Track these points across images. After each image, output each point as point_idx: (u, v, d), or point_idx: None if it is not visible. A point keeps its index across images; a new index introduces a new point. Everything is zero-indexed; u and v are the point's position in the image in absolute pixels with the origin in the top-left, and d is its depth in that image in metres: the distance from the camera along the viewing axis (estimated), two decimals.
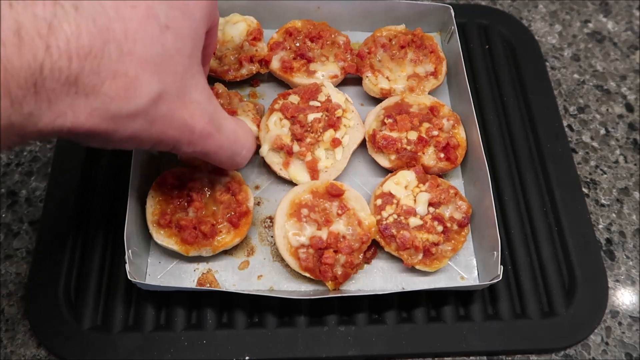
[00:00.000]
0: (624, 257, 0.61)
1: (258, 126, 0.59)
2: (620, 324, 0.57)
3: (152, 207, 0.53)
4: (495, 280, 0.50)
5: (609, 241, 0.62)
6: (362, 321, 0.53)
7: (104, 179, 0.59)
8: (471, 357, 0.54)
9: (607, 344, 0.56)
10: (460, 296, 0.55)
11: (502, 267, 0.51)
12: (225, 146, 0.45)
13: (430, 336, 0.52)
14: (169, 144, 0.40)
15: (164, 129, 0.38)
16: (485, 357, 0.54)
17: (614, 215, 0.64)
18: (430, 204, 0.55)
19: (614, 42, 0.78)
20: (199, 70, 0.41)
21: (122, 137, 0.36)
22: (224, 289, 0.53)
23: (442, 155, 0.58)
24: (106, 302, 0.53)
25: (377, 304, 0.53)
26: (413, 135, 0.58)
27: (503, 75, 0.70)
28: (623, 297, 0.58)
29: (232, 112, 0.57)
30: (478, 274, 0.56)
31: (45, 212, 0.57)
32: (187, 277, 0.54)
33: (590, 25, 0.80)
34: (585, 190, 0.65)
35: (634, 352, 0.55)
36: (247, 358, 0.50)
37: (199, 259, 0.54)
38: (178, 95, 0.37)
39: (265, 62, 0.64)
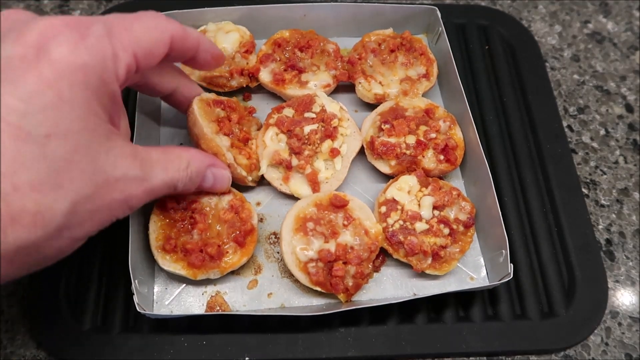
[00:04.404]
0: (624, 257, 0.61)
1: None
2: (620, 324, 0.57)
3: (155, 232, 0.52)
4: (506, 279, 0.50)
5: (608, 242, 0.62)
6: (362, 322, 0.53)
7: None
8: (471, 358, 0.54)
9: (607, 344, 0.56)
10: (460, 297, 0.55)
11: (512, 265, 0.51)
12: (160, 190, 0.44)
13: (430, 337, 0.52)
14: (117, 217, 0.40)
15: (101, 218, 0.38)
16: (485, 358, 0.54)
17: (613, 215, 0.64)
18: (434, 207, 0.55)
19: (613, 42, 0.78)
20: (109, 137, 0.38)
21: (59, 248, 0.36)
22: (235, 311, 0.52)
23: (441, 157, 0.58)
24: (106, 303, 0.53)
25: (378, 306, 0.53)
26: (411, 139, 0.58)
27: (503, 76, 0.70)
28: (623, 297, 0.58)
29: (247, 138, 0.57)
30: (487, 272, 0.56)
31: None
32: (195, 301, 0.53)
33: (590, 25, 0.80)
34: (585, 190, 0.65)
35: (634, 353, 0.55)
36: (246, 359, 0.50)
37: (206, 281, 0.54)
38: (98, 187, 0.36)
39: (252, 74, 0.63)
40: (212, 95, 0.57)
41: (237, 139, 0.56)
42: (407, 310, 0.54)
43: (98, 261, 0.55)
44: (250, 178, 0.57)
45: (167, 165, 0.44)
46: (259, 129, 0.61)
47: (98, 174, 0.36)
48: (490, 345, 0.53)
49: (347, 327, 0.52)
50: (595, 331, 0.56)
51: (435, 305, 0.54)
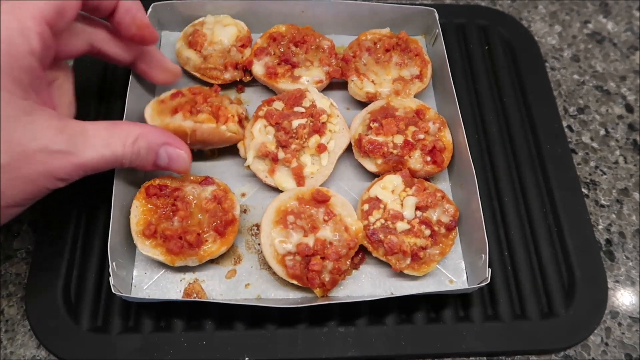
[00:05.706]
0: (624, 257, 0.61)
1: (241, 126, 0.58)
2: (620, 324, 0.57)
3: (136, 217, 0.52)
4: (482, 284, 0.50)
5: (608, 242, 0.62)
6: (362, 322, 0.53)
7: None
8: (471, 358, 0.54)
9: (606, 344, 0.56)
10: (460, 297, 0.55)
11: (490, 270, 0.51)
12: (100, 164, 0.43)
13: (430, 337, 0.52)
14: (47, 188, 0.41)
15: (24, 188, 0.39)
16: (485, 358, 0.54)
17: (613, 215, 0.64)
18: (417, 208, 0.55)
19: (613, 42, 0.78)
20: (28, 112, 0.39)
21: None
22: (211, 299, 0.53)
23: (428, 158, 0.58)
24: (106, 303, 0.53)
25: (376, 305, 0.53)
26: (399, 139, 0.58)
27: (503, 76, 0.70)
28: (623, 297, 0.58)
29: (217, 110, 0.56)
30: (467, 277, 0.56)
31: (45, 213, 0.57)
32: (173, 287, 0.54)
33: (590, 25, 0.80)
34: (585, 190, 0.65)
35: (634, 353, 0.55)
36: (246, 359, 0.50)
37: (185, 268, 0.54)
38: (14, 159, 0.38)
39: (246, 67, 0.64)
40: (169, 92, 0.58)
41: (209, 113, 0.55)
42: (407, 310, 0.54)
43: (98, 261, 0.55)
44: (226, 128, 0.56)
45: (110, 140, 0.43)
46: (232, 103, 0.60)
47: (15, 146, 0.38)
48: (490, 345, 0.53)
49: (347, 326, 0.52)
50: (595, 331, 0.56)
51: (435, 305, 0.54)
